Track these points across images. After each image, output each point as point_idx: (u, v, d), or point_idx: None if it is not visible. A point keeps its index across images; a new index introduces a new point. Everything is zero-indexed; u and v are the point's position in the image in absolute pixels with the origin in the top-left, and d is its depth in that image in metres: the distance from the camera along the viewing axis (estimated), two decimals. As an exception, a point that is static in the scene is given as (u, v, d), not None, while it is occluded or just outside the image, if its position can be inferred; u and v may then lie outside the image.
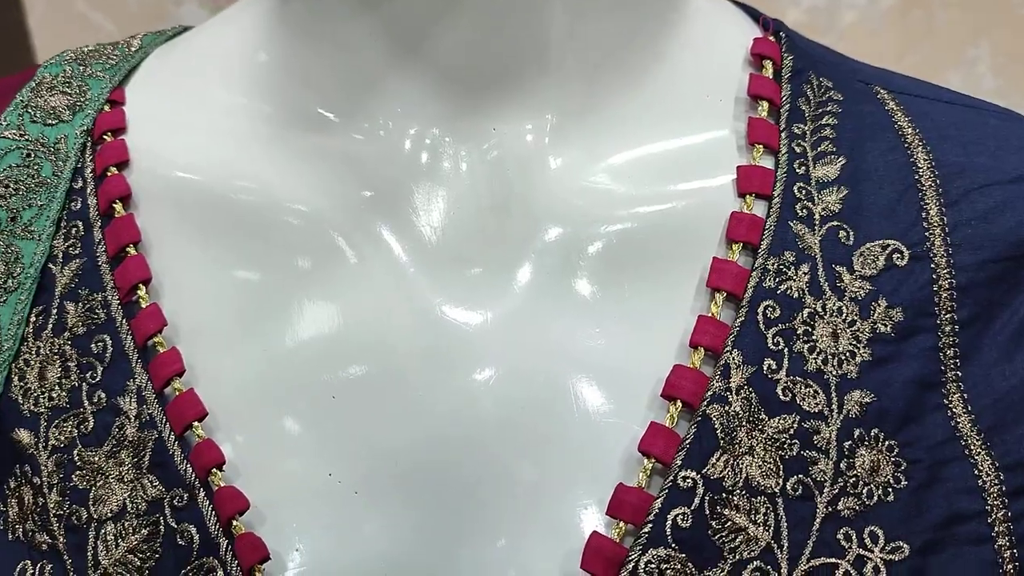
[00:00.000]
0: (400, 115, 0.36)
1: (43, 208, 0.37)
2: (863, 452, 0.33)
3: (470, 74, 0.35)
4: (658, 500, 0.31)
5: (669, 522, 0.31)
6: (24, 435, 0.34)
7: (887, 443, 0.33)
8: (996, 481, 0.33)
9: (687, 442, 0.32)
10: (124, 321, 0.35)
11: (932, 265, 0.35)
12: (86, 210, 0.37)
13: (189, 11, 1.01)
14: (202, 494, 0.32)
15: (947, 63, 1.05)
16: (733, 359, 0.33)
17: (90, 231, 0.36)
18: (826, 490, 0.32)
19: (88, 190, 0.37)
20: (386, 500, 0.32)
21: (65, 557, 0.32)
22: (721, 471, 0.32)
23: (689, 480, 0.32)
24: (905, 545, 0.32)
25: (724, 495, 0.32)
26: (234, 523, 0.32)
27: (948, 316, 0.35)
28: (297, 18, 0.36)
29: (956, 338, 0.34)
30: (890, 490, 0.32)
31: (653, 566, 0.31)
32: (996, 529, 0.32)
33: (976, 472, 0.33)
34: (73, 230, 0.36)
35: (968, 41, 1.05)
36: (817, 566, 0.31)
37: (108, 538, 0.32)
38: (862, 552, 0.32)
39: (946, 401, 0.34)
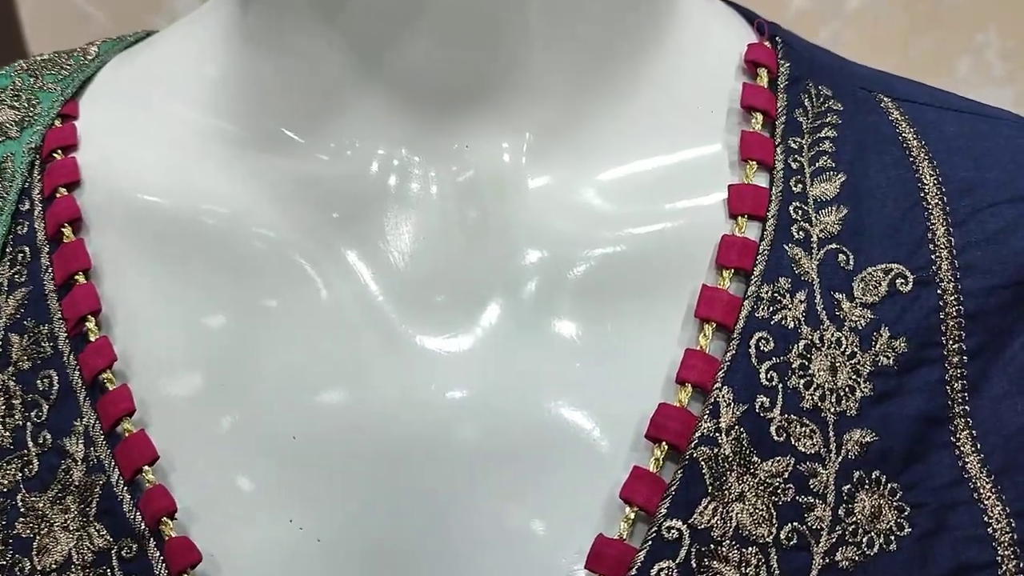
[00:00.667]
0: (366, 134, 0.33)
1: None
2: (863, 497, 0.30)
3: (438, 89, 0.32)
4: (641, 553, 0.29)
5: None
6: None
7: (889, 486, 0.31)
8: (1008, 528, 0.31)
9: (672, 488, 0.30)
10: (71, 355, 0.32)
11: (938, 291, 0.33)
12: (33, 234, 0.34)
13: (183, 1, 0.98)
14: (152, 545, 0.30)
15: (955, 49, 1.02)
16: (723, 396, 0.31)
17: (37, 257, 0.34)
18: (823, 539, 0.30)
19: (36, 213, 0.35)
20: (353, 549, 0.30)
21: None
22: (709, 520, 0.29)
23: (675, 531, 0.29)
24: None
25: (712, 546, 0.29)
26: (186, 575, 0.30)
27: (956, 346, 0.32)
28: (256, 31, 0.34)
29: (964, 370, 0.32)
30: (892, 538, 0.30)
31: None
32: None
33: (986, 519, 0.31)
34: (19, 256, 0.34)
35: (976, 27, 1.02)
36: None
37: None
38: None
39: (953, 439, 0.31)
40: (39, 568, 0.30)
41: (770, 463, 0.30)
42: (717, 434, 0.30)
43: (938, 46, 1.01)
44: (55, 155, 0.36)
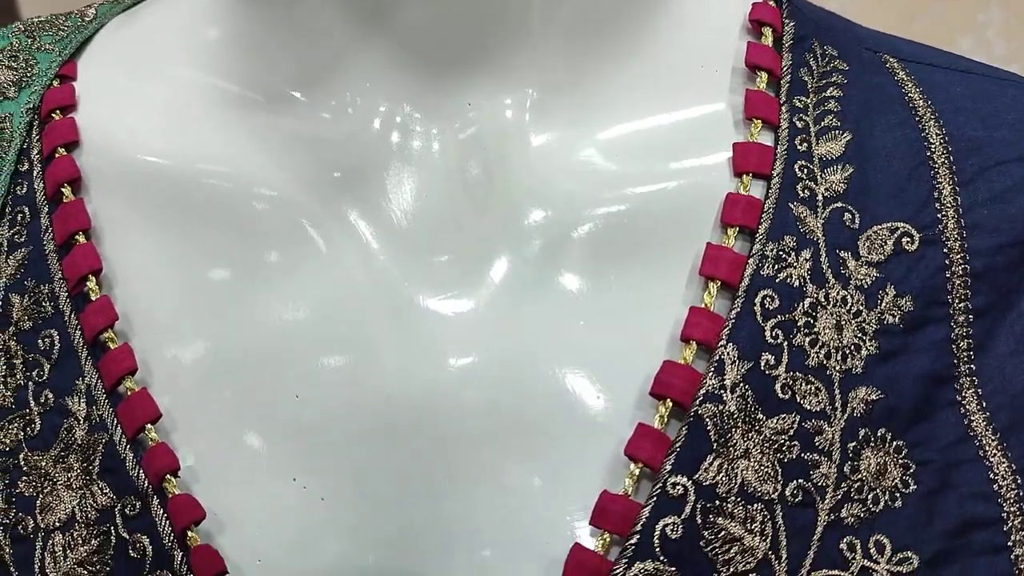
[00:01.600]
0: (368, 92, 0.33)
1: None
2: (868, 454, 0.30)
3: (440, 45, 0.32)
4: (645, 509, 0.29)
5: (657, 533, 0.29)
6: None
7: (895, 444, 0.30)
8: (1013, 485, 0.30)
9: (677, 445, 0.29)
10: (73, 315, 0.32)
11: (944, 250, 0.32)
12: (32, 195, 0.34)
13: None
14: (156, 502, 0.30)
15: (957, 28, 1.02)
16: (728, 354, 0.30)
17: (36, 217, 0.34)
18: (828, 496, 0.30)
19: (35, 173, 0.34)
20: (356, 507, 0.30)
21: (12, 569, 0.30)
22: (714, 476, 0.29)
23: (679, 487, 0.29)
24: (914, 556, 0.30)
25: (717, 503, 0.29)
26: (189, 534, 0.29)
27: (962, 305, 0.32)
28: None
29: (970, 328, 0.32)
30: (898, 495, 0.30)
31: None
32: (1013, 538, 0.30)
33: (991, 476, 0.30)
34: (19, 216, 0.34)
35: (978, 6, 1.02)
36: None
37: (56, 549, 0.30)
38: (867, 563, 0.29)
39: (959, 397, 0.31)
40: (42, 526, 0.30)
41: (775, 420, 0.30)
42: (722, 391, 0.30)
43: (940, 25, 1.01)
44: (53, 116, 0.35)
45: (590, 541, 0.29)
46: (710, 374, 0.30)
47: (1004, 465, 0.31)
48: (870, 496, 0.30)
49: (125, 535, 0.30)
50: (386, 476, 0.30)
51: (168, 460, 0.30)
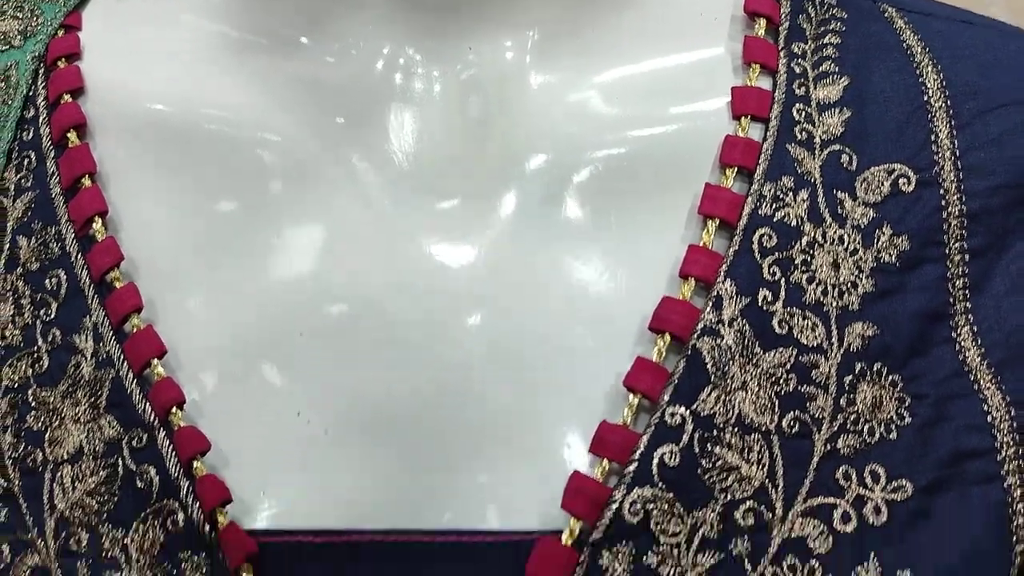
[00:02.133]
0: (371, 35, 0.33)
1: None
2: (864, 388, 0.31)
3: None
4: (644, 437, 0.29)
5: (656, 460, 0.29)
6: None
7: (890, 378, 0.31)
8: (1007, 417, 0.31)
9: (675, 377, 0.30)
10: (79, 255, 0.33)
11: (941, 191, 0.33)
12: (38, 140, 0.34)
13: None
14: (162, 434, 0.30)
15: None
16: (726, 290, 0.31)
17: (43, 162, 0.34)
18: (824, 427, 0.30)
19: (40, 119, 0.35)
20: (358, 441, 0.31)
21: (21, 501, 0.31)
22: (712, 407, 0.30)
23: (677, 416, 0.30)
24: (908, 484, 0.30)
25: (715, 432, 0.30)
26: (195, 464, 0.30)
27: (957, 245, 0.32)
28: None
29: (966, 267, 0.32)
30: (893, 427, 0.30)
31: (638, 506, 0.29)
32: (1006, 467, 0.30)
33: (985, 408, 0.31)
34: (25, 161, 0.34)
35: (980, 6, 1.01)
36: (814, 506, 0.29)
37: (64, 481, 0.31)
38: (862, 492, 0.30)
39: (954, 334, 0.32)
40: (51, 459, 0.31)
41: (772, 354, 0.30)
42: (719, 325, 0.30)
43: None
44: (59, 64, 0.36)
45: (589, 469, 0.29)
46: (708, 309, 0.31)
47: (998, 398, 0.31)
48: (866, 428, 0.30)
49: (132, 466, 0.30)
50: (389, 407, 0.31)
51: (174, 393, 0.31)
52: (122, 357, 0.31)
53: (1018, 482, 0.30)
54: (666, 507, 0.29)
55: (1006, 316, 0.32)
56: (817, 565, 0.29)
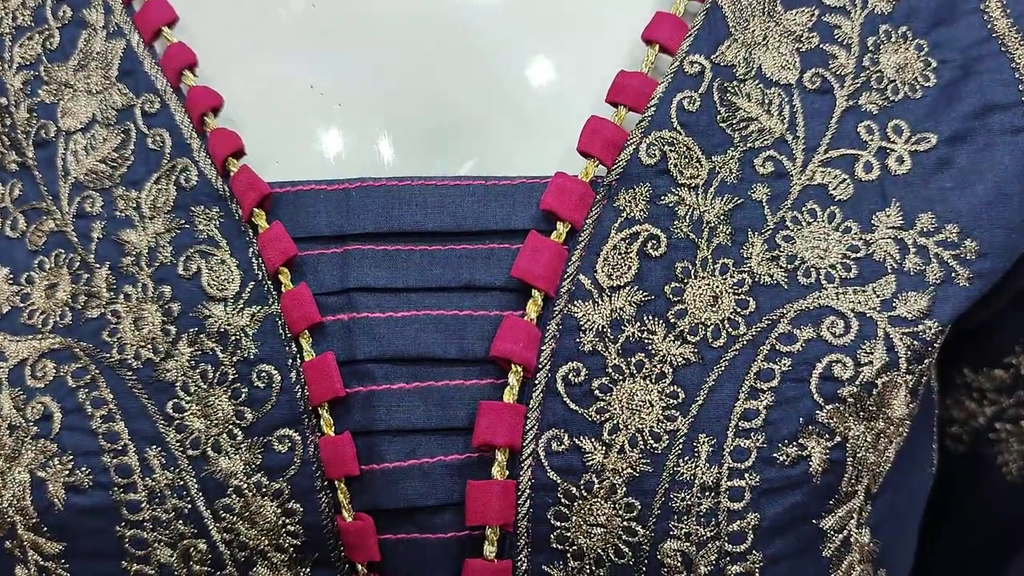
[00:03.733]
0: None
1: None
2: (889, 49, 0.30)
3: None
4: (662, 84, 0.29)
5: (674, 105, 0.29)
6: None
7: (916, 42, 0.30)
8: None
9: (695, 29, 0.29)
10: None
11: None
12: None
13: None
14: (174, 98, 0.30)
15: None
16: None
17: None
18: (847, 84, 0.29)
19: None
20: (373, 110, 0.30)
21: (35, 173, 0.31)
22: (732, 59, 0.29)
23: (697, 65, 0.29)
24: (932, 135, 0.29)
25: (735, 83, 0.29)
26: (207, 120, 0.30)
27: None
28: None
29: None
30: (918, 87, 0.30)
31: (656, 148, 0.28)
32: None
33: (1013, 66, 0.30)
34: None
35: None
36: (835, 157, 0.29)
37: (77, 149, 0.30)
38: (884, 144, 0.29)
39: (982, 5, 0.31)
40: (63, 129, 0.31)
41: (794, 13, 0.30)
42: None
43: None
44: None
45: (607, 116, 0.29)
46: None
47: None
48: (889, 87, 0.30)
49: (144, 130, 0.30)
50: (402, 78, 0.30)
51: (185, 56, 0.30)
52: (133, 27, 0.31)
53: None
54: (684, 150, 0.28)
55: None
56: (838, 211, 0.29)
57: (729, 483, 0.27)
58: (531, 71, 0.30)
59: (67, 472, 0.28)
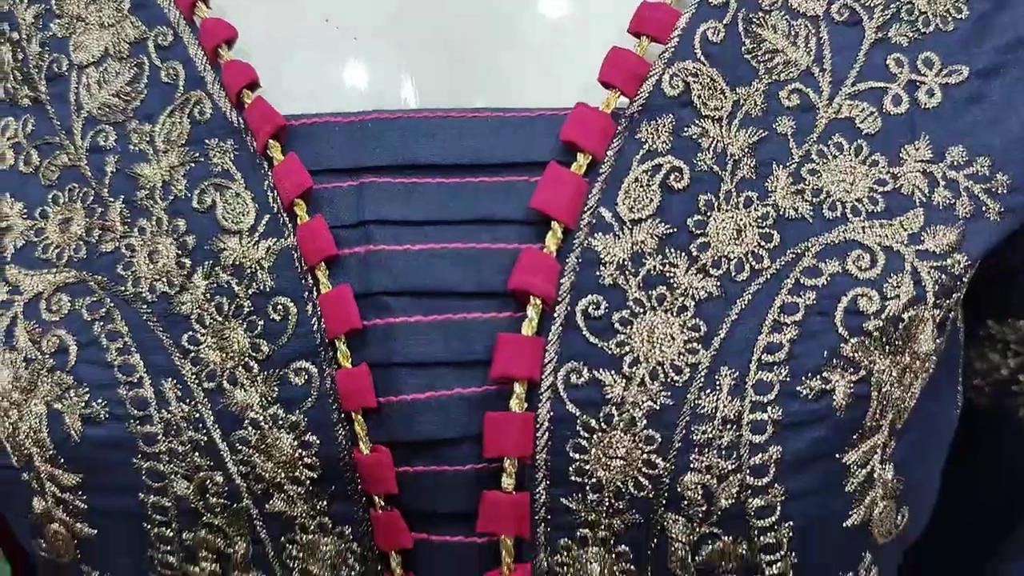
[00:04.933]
0: None
1: None
2: None
3: None
4: (686, 14, 0.28)
5: (698, 36, 0.28)
6: None
7: None
8: None
9: None
10: None
11: None
12: None
13: None
14: (187, 30, 0.30)
15: None
16: None
17: None
18: (876, 15, 0.29)
19: None
20: (389, 45, 0.30)
21: (48, 107, 0.30)
22: None
23: None
24: (964, 68, 0.29)
25: (761, 14, 0.28)
26: (220, 52, 0.29)
27: None
28: None
29: None
30: (950, 19, 0.29)
31: (679, 79, 0.28)
32: None
33: None
34: None
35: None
36: (863, 90, 0.28)
37: (90, 83, 0.30)
38: (914, 77, 0.28)
39: None
40: (76, 63, 0.30)
41: None
42: None
43: None
44: None
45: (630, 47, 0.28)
46: None
47: None
48: (920, 19, 0.29)
49: (158, 63, 0.30)
50: (419, 12, 0.30)
51: (199, -13, 0.30)
52: None
53: None
54: (708, 81, 0.28)
55: None
56: (865, 144, 0.28)
57: (751, 416, 0.26)
58: (550, 3, 0.29)
59: (83, 404, 0.28)
